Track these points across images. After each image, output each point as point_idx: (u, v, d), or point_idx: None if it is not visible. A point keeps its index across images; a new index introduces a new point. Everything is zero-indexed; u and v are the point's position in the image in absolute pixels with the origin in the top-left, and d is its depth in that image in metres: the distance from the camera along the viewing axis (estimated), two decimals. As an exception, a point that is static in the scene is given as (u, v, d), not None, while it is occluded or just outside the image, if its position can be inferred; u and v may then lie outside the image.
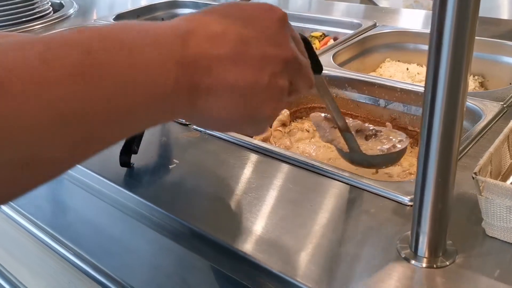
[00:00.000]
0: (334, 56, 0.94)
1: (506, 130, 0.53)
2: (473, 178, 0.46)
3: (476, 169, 0.46)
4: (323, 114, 0.62)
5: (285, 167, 0.63)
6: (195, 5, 1.40)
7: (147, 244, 0.67)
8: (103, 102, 0.30)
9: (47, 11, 1.32)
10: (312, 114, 0.63)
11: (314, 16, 1.19)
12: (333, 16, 1.20)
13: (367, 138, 0.62)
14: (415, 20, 1.21)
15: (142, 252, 0.69)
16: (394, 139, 0.61)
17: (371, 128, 0.63)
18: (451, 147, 0.41)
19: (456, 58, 0.37)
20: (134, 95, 0.32)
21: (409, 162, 0.75)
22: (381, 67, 1.03)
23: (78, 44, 0.30)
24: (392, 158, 0.61)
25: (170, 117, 0.39)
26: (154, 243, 0.65)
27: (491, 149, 0.49)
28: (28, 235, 0.79)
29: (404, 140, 0.61)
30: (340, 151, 0.61)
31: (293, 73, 0.41)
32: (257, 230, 0.53)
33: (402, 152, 0.60)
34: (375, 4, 3.55)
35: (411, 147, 0.80)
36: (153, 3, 1.45)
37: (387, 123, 0.69)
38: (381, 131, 0.62)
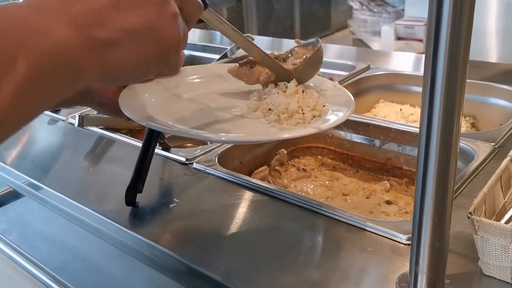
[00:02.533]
0: (329, 97, 0.96)
1: (498, 171, 0.54)
2: (468, 217, 0.47)
3: (471, 209, 0.47)
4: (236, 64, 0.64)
5: (283, 206, 0.64)
6: (193, 47, 1.43)
7: (146, 283, 0.67)
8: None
9: None
10: (228, 69, 0.64)
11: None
12: (328, 58, 1.23)
13: (284, 61, 0.63)
14: (406, 62, 1.25)
15: (140, 291, 0.69)
16: (308, 48, 0.64)
17: (282, 53, 0.65)
18: (446, 187, 0.42)
19: (448, 102, 0.39)
20: (38, 62, 0.33)
21: (405, 201, 0.76)
22: (375, 108, 1.06)
23: None
24: (312, 61, 0.62)
25: (80, 80, 0.37)
26: (153, 282, 0.65)
27: (484, 189, 0.51)
28: (25, 273, 0.78)
29: (315, 42, 0.63)
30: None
31: None
32: (256, 269, 0.53)
33: (318, 53, 0.62)
34: (367, 46, 3.63)
35: (407, 186, 0.81)
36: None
37: (296, 40, 0.70)
38: (294, 49, 0.65)
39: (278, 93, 0.59)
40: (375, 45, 3.44)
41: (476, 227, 0.47)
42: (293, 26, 4.50)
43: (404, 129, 0.82)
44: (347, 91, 0.65)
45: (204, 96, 0.64)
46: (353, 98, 0.62)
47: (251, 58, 0.62)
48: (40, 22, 0.34)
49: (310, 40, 0.66)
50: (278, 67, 0.61)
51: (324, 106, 0.60)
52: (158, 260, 0.60)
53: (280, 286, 0.51)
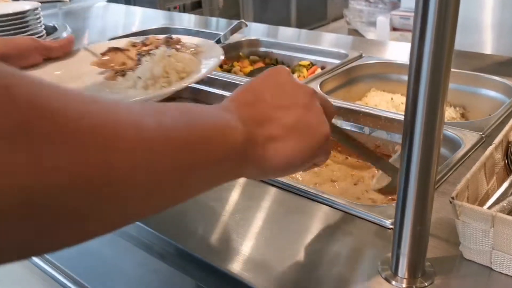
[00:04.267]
0: (321, 85, 0.97)
1: (482, 158, 0.55)
2: (450, 202, 0.48)
3: (454, 194, 0.48)
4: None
5: (271, 190, 0.65)
6: (187, 32, 1.43)
7: (135, 264, 0.68)
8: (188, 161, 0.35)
9: (41, 34, 1.34)
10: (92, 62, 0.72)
11: (303, 45, 1.23)
12: (321, 46, 1.23)
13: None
14: (400, 52, 1.25)
15: (130, 273, 0.70)
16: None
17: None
18: (429, 171, 0.43)
19: (433, 86, 0.40)
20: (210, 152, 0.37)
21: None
22: (366, 96, 1.07)
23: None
24: None
25: (238, 172, 0.43)
26: (142, 263, 0.65)
27: (468, 175, 0.52)
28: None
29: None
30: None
31: (320, 99, 0.48)
32: (243, 250, 0.54)
33: None
34: (363, 36, 3.63)
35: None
36: (144, 29, 1.49)
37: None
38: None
39: (147, 61, 0.61)
40: (371, 35, 3.44)
41: (458, 212, 0.48)
42: (289, 16, 4.49)
43: (393, 117, 0.83)
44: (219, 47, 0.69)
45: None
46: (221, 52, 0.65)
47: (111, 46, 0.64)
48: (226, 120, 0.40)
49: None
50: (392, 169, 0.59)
51: (199, 67, 0.62)
52: (146, 242, 0.61)
53: (265, 267, 0.52)
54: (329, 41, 1.36)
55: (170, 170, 0.33)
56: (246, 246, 0.55)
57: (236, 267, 0.52)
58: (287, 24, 4.27)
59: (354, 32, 3.76)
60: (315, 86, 0.96)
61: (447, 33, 0.38)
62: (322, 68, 1.16)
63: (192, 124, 0.36)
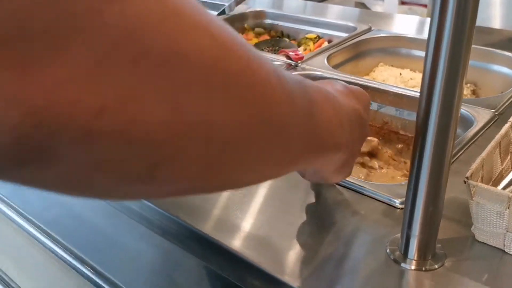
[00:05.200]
0: (328, 58, 0.94)
1: (498, 136, 0.53)
2: (464, 182, 0.46)
3: (468, 174, 0.46)
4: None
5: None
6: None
7: (135, 240, 0.67)
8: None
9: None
10: None
11: (310, 18, 1.20)
12: (328, 18, 1.20)
13: None
14: (409, 25, 1.22)
15: (130, 248, 0.69)
16: None
17: None
18: (444, 150, 0.41)
19: (453, 63, 0.37)
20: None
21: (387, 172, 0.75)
22: (374, 71, 1.04)
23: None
24: None
25: (297, 165, 0.43)
26: (143, 239, 0.64)
27: (483, 155, 0.50)
28: (15, 227, 0.78)
29: None
30: None
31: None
32: (246, 227, 0.53)
33: None
34: (368, 9, 3.56)
35: (400, 153, 0.80)
36: None
37: None
38: None
39: None
40: (378, 9, 3.37)
41: (472, 192, 0.46)
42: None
43: (403, 93, 0.80)
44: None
45: None
46: None
47: None
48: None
49: None
50: None
51: None
52: (148, 217, 0.59)
53: (269, 245, 0.51)
54: (336, 14, 1.33)
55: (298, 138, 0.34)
56: (249, 224, 0.53)
57: (238, 244, 0.51)
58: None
59: (361, 5, 3.68)
60: (322, 60, 0.93)
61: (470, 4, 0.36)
62: (329, 41, 1.13)
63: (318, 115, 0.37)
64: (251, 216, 0.55)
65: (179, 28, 0.22)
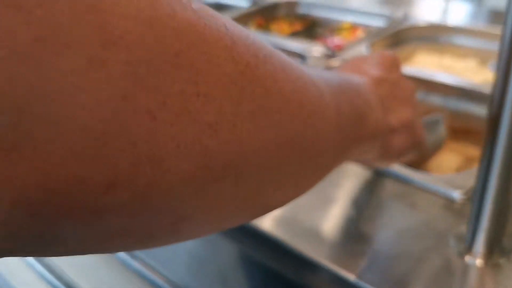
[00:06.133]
0: (366, 47, 0.92)
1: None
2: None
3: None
4: None
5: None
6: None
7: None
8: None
9: None
10: None
11: (343, 6, 1.18)
12: (362, 6, 1.18)
13: None
14: (437, 10, 1.19)
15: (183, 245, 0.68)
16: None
17: None
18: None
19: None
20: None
21: (448, 157, 0.73)
22: (412, 59, 1.01)
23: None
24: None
25: (365, 156, 0.44)
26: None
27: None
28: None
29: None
30: None
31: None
32: (295, 217, 0.52)
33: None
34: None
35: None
36: None
37: None
38: None
39: None
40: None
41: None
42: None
43: (449, 82, 0.78)
44: None
45: None
46: None
47: None
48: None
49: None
50: None
51: None
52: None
53: (327, 241, 0.49)
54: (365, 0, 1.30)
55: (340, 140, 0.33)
56: (294, 213, 0.52)
57: (283, 235, 0.49)
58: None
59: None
60: (360, 49, 0.91)
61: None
62: (365, 30, 1.11)
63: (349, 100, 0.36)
64: (295, 206, 0.53)
65: (201, 59, 0.19)
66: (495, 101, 0.39)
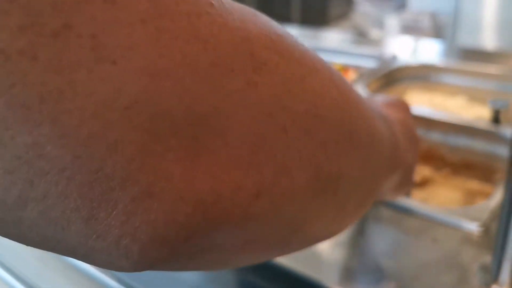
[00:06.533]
0: (362, 87, 0.96)
1: None
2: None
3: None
4: None
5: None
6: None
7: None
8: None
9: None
10: None
11: (334, 48, 1.22)
12: (352, 48, 1.22)
13: None
14: (431, 51, 1.25)
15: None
16: None
17: None
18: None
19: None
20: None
21: (450, 194, 0.76)
22: (405, 98, 1.05)
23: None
24: None
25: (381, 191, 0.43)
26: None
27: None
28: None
29: None
30: None
31: None
32: (320, 253, 0.53)
33: None
34: (364, 37, 3.62)
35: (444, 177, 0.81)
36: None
37: None
38: None
39: None
40: (375, 36, 3.43)
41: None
42: (289, 15, 4.48)
43: (445, 119, 0.81)
44: None
45: None
46: None
47: None
48: None
49: None
50: None
51: None
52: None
53: (351, 278, 0.50)
54: (352, 41, 1.35)
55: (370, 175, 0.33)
56: (318, 249, 0.53)
57: (300, 266, 0.50)
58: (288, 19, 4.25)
59: (356, 31, 3.75)
60: (361, 90, 0.95)
61: None
62: (356, 71, 1.15)
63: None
64: (326, 247, 0.55)
65: (318, 85, 0.22)
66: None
